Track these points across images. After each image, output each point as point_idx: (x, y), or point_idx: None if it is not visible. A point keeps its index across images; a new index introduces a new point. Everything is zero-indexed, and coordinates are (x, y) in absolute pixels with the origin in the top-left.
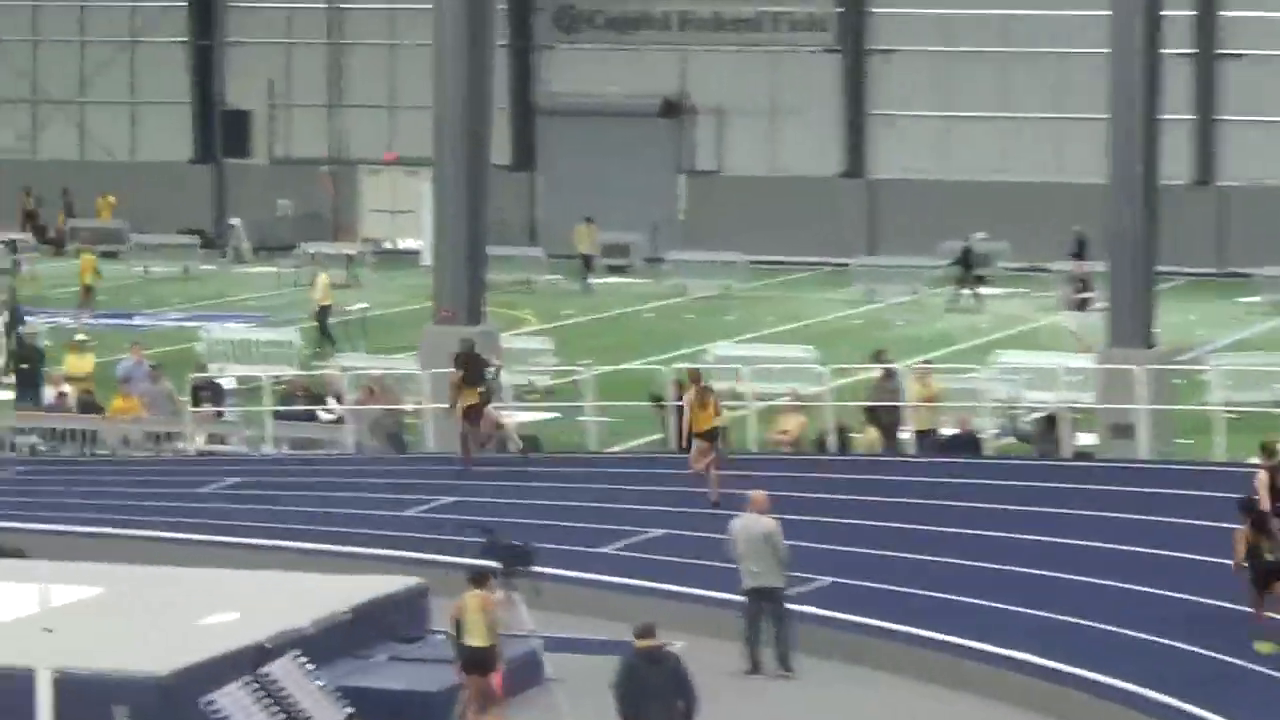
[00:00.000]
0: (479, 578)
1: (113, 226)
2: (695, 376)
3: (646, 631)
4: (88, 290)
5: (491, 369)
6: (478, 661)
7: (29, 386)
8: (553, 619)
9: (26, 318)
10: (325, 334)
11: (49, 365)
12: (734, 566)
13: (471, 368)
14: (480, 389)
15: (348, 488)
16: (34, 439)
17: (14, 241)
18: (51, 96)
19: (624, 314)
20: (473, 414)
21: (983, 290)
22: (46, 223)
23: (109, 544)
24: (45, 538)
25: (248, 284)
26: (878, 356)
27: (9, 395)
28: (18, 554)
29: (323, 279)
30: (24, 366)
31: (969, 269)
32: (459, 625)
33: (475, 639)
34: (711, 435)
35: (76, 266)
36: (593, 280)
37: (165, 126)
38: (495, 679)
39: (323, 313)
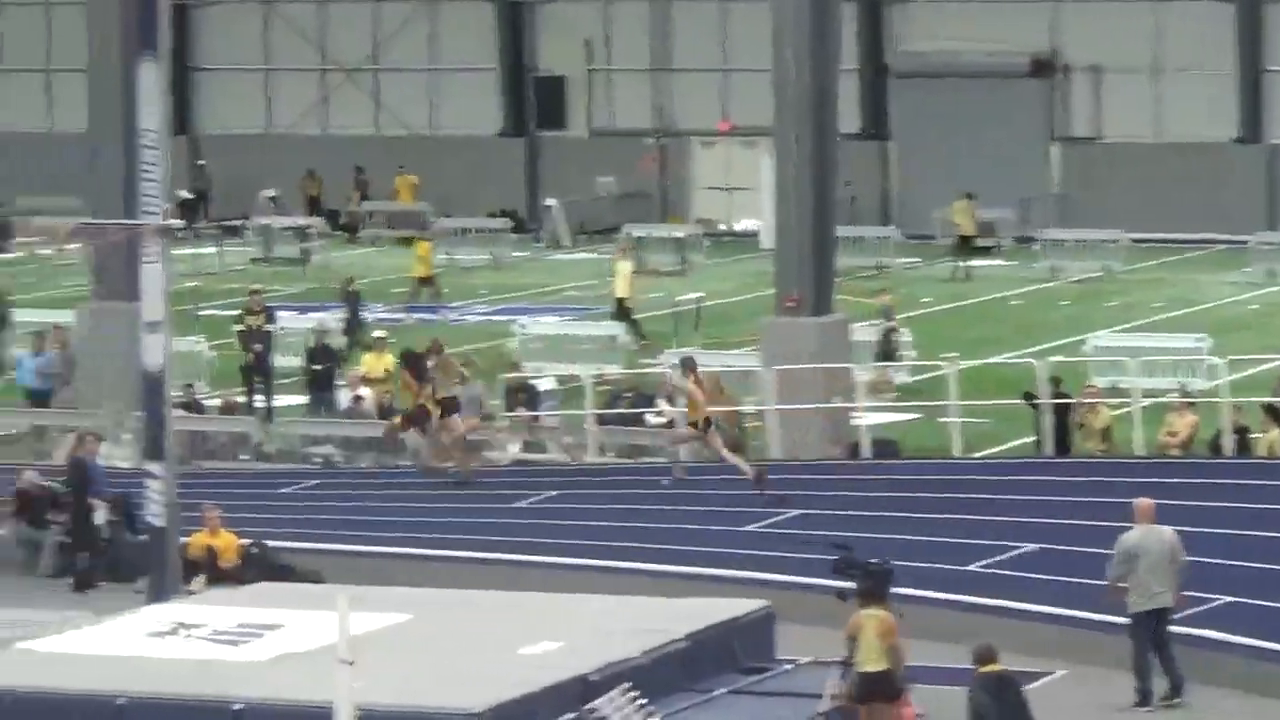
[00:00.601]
0: (876, 595)
1: (413, 209)
2: (692, 365)
3: (989, 655)
4: (425, 281)
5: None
6: (877, 688)
7: (323, 390)
8: (911, 646)
9: (361, 314)
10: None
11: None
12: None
13: (416, 366)
14: (426, 390)
15: (680, 500)
16: (329, 449)
17: (303, 228)
18: (341, 64)
19: (990, 301)
20: (420, 417)
21: None
22: (339, 207)
23: (413, 565)
24: (343, 559)
25: (565, 272)
26: None
27: (302, 400)
28: (314, 577)
29: (624, 268)
30: (317, 368)
31: None
32: (852, 647)
33: (870, 663)
34: (708, 423)
35: (372, 255)
36: (973, 263)
37: (470, 95)
38: (908, 712)
39: (622, 307)
